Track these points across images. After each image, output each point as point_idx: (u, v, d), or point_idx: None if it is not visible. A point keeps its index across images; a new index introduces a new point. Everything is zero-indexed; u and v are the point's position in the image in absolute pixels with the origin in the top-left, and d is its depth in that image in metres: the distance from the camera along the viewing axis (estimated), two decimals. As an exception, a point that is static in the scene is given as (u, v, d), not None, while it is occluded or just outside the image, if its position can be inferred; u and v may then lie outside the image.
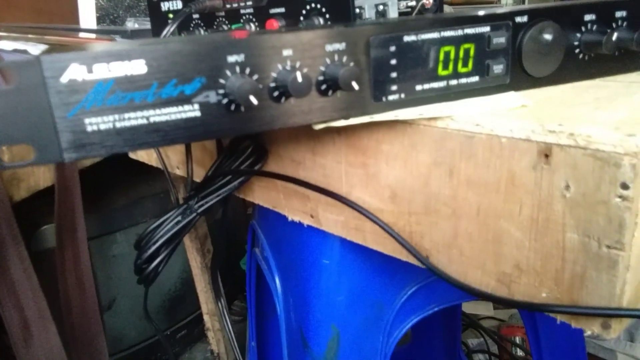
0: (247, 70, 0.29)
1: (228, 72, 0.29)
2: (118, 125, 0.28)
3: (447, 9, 0.44)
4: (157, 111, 0.28)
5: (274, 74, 0.30)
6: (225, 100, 0.29)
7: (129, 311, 1.09)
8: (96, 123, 0.27)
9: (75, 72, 0.26)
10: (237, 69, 0.29)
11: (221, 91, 0.29)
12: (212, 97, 0.29)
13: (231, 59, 0.29)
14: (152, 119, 0.28)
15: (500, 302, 0.33)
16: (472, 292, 0.33)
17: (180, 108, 0.28)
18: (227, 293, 0.93)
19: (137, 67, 0.27)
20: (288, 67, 0.30)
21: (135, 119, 0.28)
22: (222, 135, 0.33)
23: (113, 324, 1.08)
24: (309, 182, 0.44)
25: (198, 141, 0.51)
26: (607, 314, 0.29)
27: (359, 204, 0.40)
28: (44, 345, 0.70)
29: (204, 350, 1.29)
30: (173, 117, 0.29)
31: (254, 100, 0.29)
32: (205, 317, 1.03)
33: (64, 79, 0.26)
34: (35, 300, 0.69)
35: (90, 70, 0.26)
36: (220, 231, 0.99)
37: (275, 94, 0.30)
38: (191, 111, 0.29)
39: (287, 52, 0.30)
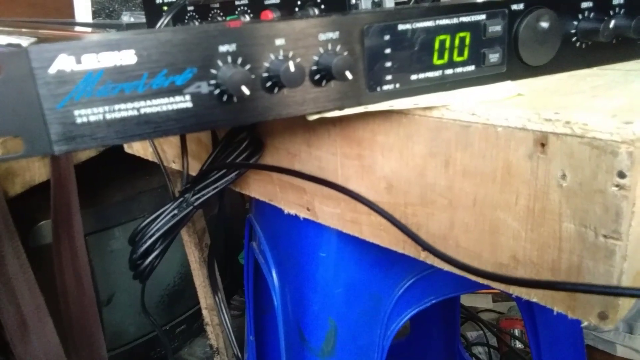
0: (239, 60, 0.29)
1: (220, 62, 0.28)
2: (108, 116, 0.27)
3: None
4: (148, 102, 0.28)
5: (266, 64, 0.30)
6: (217, 91, 0.29)
7: (128, 306, 1.09)
8: (86, 114, 0.27)
9: (63, 62, 0.25)
10: (229, 58, 0.29)
11: (213, 82, 0.29)
12: (203, 87, 0.29)
13: (223, 48, 0.28)
14: (143, 110, 0.28)
15: (499, 280, 0.32)
16: (470, 270, 0.33)
17: (171, 99, 0.28)
18: (226, 288, 0.93)
19: (127, 57, 0.26)
20: (281, 57, 0.30)
21: (125, 110, 0.27)
22: (215, 127, 0.33)
23: (112, 319, 1.08)
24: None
25: (190, 132, 0.50)
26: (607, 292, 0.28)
27: (354, 191, 0.40)
28: (42, 341, 0.70)
29: (204, 344, 1.29)
30: (164, 108, 0.28)
31: (246, 90, 0.28)
32: (204, 312, 1.03)
33: (52, 69, 0.25)
34: (31, 296, 0.68)
35: (79, 61, 0.26)
36: (217, 225, 0.99)
37: (268, 84, 0.30)
38: (183, 102, 0.28)
39: (279, 42, 0.30)
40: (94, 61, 0.26)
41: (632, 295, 0.26)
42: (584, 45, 0.38)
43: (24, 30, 0.76)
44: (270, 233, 0.59)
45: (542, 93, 0.34)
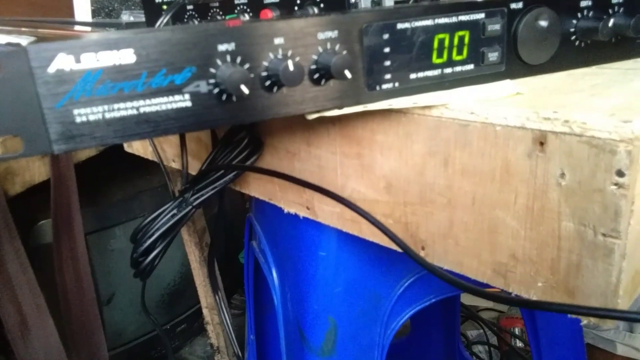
0: (238, 59, 0.29)
1: (219, 61, 0.28)
2: (107, 116, 0.27)
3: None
4: (147, 101, 0.28)
5: (265, 63, 0.30)
6: (216, 90, 0.29)
7: (128, 306, 1.09)
8: (85, 114, 0.27)
9: (62, 62, 0.26)
10: (228, 57, 0.29)
11: (212, 81, 0.29)
12: (202, 86, 0.29)
13: (222, 47, 0.28)
14: (142, 110, 0.28)
15: (494, 300, 0.32)
16: (462, 287, 0.33)
17: (170, 98, 0.28)
18: (226, 287, 0.93)
19: (126, 56, 0.26)
20: (280, 56, 0.30)
21: (124, 109, 0.27)
22: (214, 126, 0.33)
23: (112, 319, 1.08)
24: (304, 174, 0.44)
25: (190, 132, 0.50)
26: (601, 315, 0.28)
27: (351, 201, 0.40)
28: (42, 340, 0.70)
29: (204, 344, 1.29)
30: (163, 107, 0.28)
31: (245, 89, 0.28)
32: (205, 311, 1.03)
33: (52, 69, 0.25)
34: (32, 295, 0.69)
35: (78, 60, 0.26)
36: (217, 225, 0.99)
37: (267, 83, 0.30)
38: (182, 101, 0.28)
39: (278, 41, 0.30)
40: (93, 60, 0.26)
41: (619, 318, 0.26)
42: (582, 44, 0.38)
43: (23, 29, 0.76)
44: (270, 232, 0.59)
45: (541, 92, 0.34)
